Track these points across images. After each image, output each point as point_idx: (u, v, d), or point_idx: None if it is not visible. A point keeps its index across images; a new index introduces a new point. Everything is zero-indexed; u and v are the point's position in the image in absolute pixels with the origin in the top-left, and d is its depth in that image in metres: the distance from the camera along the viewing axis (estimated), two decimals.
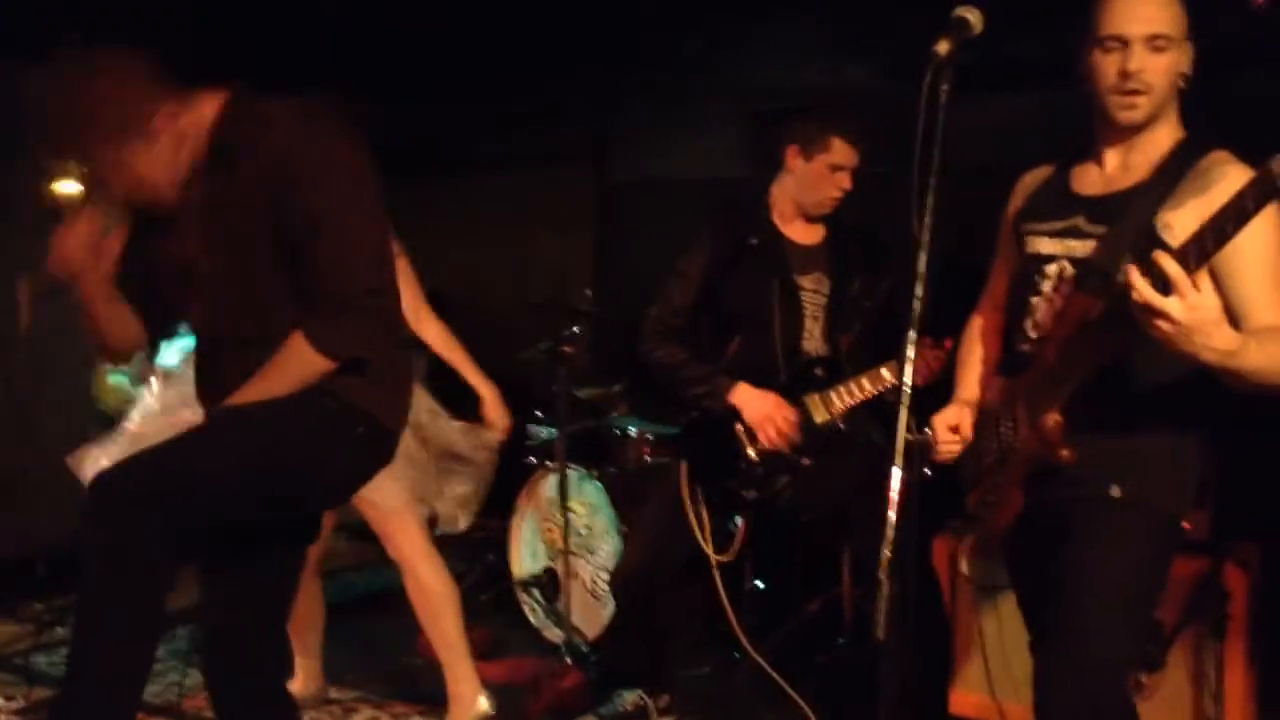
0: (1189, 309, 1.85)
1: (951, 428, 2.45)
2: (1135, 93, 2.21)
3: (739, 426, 3.34)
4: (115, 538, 2.05)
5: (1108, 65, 2.23)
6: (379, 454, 2.38)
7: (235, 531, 2.29)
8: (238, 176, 2.17)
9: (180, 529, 2.10)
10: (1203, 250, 1.88)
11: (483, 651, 4.12)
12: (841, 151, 3.37)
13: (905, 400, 2.00)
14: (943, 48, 2.04)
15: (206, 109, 2.24)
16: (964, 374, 2.58)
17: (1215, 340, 1.89)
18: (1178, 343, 1.89)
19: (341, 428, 2.25)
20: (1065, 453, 2.20)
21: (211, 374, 2.32)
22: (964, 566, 3.04)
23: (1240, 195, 1.83)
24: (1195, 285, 1.86)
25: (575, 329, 4.17)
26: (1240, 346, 1.93)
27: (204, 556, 2.42)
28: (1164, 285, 1.87)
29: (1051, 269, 2.32)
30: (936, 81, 2.02)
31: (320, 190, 2.14)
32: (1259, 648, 3.36)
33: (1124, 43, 2.20)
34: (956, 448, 2.44)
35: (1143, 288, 1.87)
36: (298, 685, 3.57)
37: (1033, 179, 2.50)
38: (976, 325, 2.61)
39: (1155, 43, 2.19)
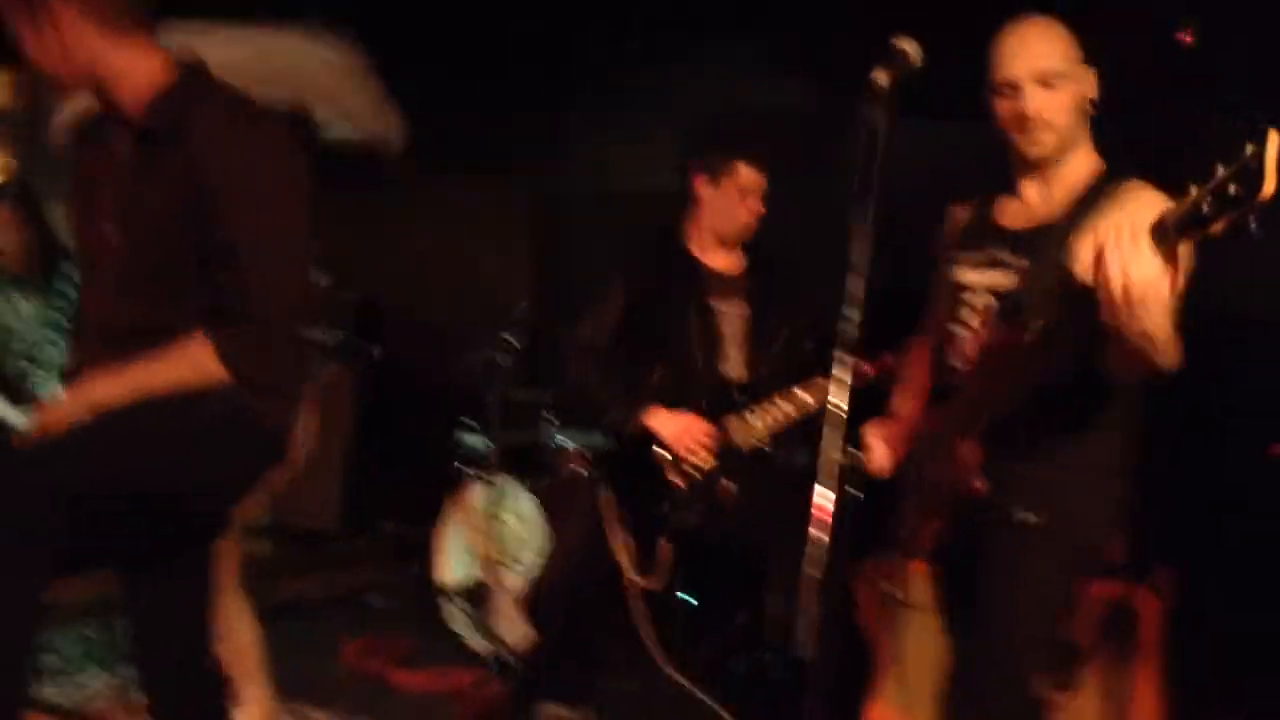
0: (1150, 279, 1.80)
1: (883, 439, 2.50)
2: (1037, 129, 2.25)
3: (659, 452, 3.36)
4: None
5: (1005, 109, 2.28)
6: (265, 459, 2.32)
7: (126, 532, 2.19)
8: (159, 162, 2.12)
9: (48, 531, 1.98)
10: (1174, 228, 1.80)
11: (408, 660, 4.11)
12: (747, 175, 3.41)
13: (835, 421, 2.03)
14: (881, 78, 2.08)
15: (158, 67, 2.18)
16: (901, 395, 2.63)
17: (1152, 321, 1.86)
18: (1120, 311, 1.85)
19: (226, 432, 2.18)
20: (978, 484, 2.24)
21: (93, 356, 2.24)
22: (887, 587, 3.09)
23: (1222, 182, 1.71)
24: (1167, 258, 1.81)
25: (510, 339, 4.17)
26: (1165, 336, 1.91)
27: (109, 558, 2.35)
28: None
29: (974, 299, 2.36)
30: (874, 112, 2.06)
31: (244, 211, 2.09)
32: (1170, 671, 3.45)
33: (1015, 86, 2.24)
34: (888, 459, 2.48)
35: (1115, 240, 1.82)
36: (247, 717, 3.39)
37: (962, 210, 2.54)
38: (917, 350, 2.66)
39: (1046, 80, 2.23)
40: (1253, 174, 1.64)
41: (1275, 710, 3.44)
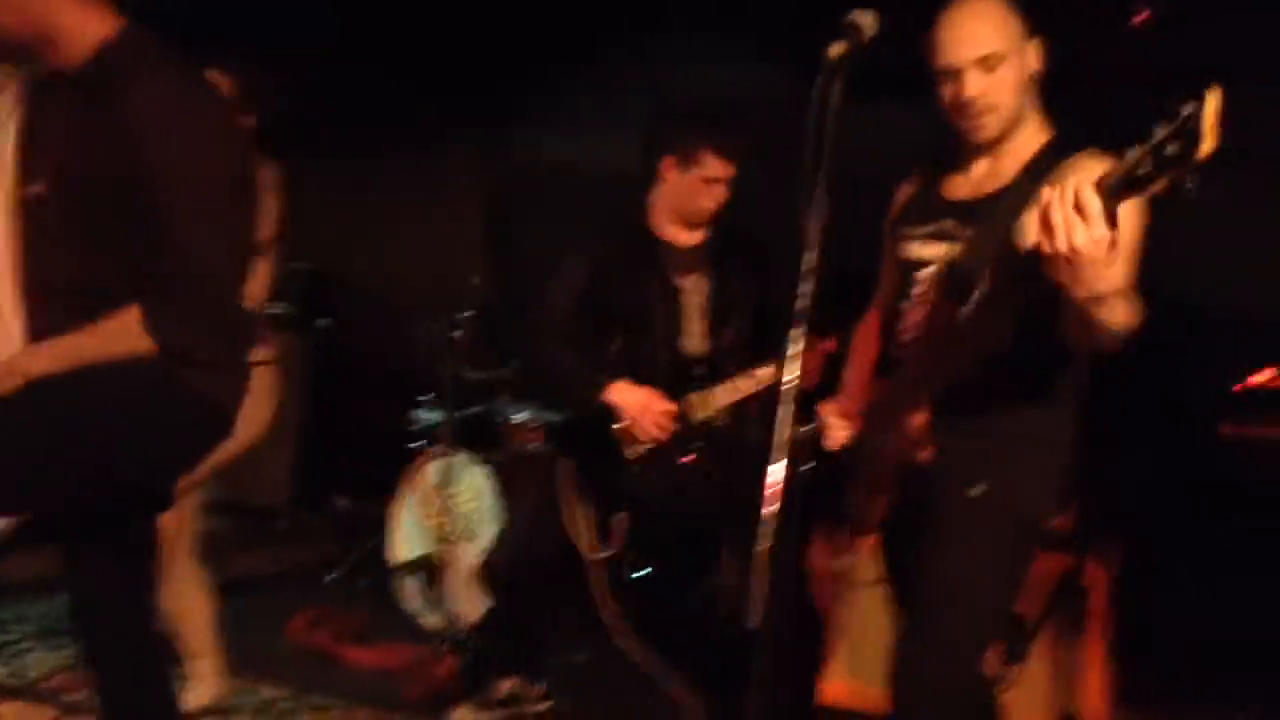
0: (1094, 240, 1.79)
1: (840, 414, 2.50)
2: (981, 113, 2.24)
3: (616, 426, 3.36)
4: None
5: (947, 94, 2.26)
6: (210, 433, 2.29)
7: (62, 505, 2.17)
8: (96, 117, 2.08)
9: None
10: (1113, 189, 1.79)
11: (358, 636, 4.09)
12: (714, 165, 3.38)
13: (790, 396, 2.03)
14: (835, 51, 2.06)
15: (106, 29, 2.13)
16: (852, 371, 2.63)
17: (1100, 281, 1.86)
18: (1065, 272, 1.85)
19: (161, 405, 2.16)
20: (925, 454, 2.25)
21: (36, 314, 2.19)
22: (835, 562, 3.11)
23: (1161, 142, 1.70)
24: (1107, 219, 1.80)
25: (467, 313, 4.15)
26: (1114, 294, 1.91)
27: (47, 531, 2.32)
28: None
29: (921, 274, 2.35)
30: (828, 85, 2.05)
31: (181, 182, 2.06)
32: (1117, 642, 3.50)
33: (955, 72, 2.22)
34: (845, 433, 2.49)
35: (1058, 202, 1.81)
36: (198, 692, 3.29)
37: (910, 186, 2.53)
38: (867, 326, 2.66)
39: (987, 62, 2.20)
40: (1192, 133, 1.62)
41: (1223, 682, 3.50)
